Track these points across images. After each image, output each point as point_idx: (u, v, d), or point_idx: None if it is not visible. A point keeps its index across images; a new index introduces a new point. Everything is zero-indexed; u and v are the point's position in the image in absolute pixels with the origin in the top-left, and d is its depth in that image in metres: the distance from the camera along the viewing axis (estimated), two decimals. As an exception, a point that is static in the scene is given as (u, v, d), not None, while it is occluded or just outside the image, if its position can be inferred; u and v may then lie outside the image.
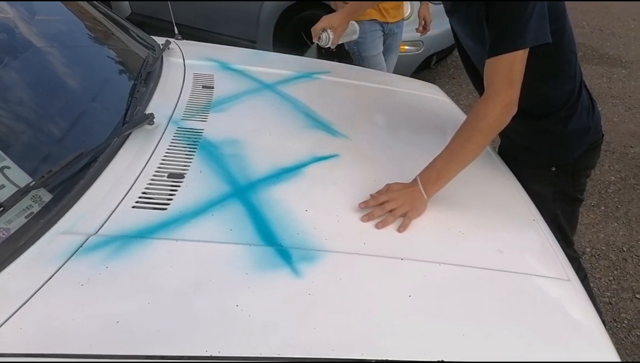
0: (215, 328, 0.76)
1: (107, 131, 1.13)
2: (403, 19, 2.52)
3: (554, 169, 1.36)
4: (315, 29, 1.54)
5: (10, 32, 1.40)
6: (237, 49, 1.92)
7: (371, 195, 1.10)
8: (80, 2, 1.63)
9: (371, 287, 0.88)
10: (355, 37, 1.70)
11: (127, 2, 4.23)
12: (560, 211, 1.39)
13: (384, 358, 0.76)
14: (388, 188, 1.11)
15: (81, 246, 0.84)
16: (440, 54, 3.72)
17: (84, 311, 0.75)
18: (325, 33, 1.52)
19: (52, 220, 0.87)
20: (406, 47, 3.40)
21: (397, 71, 3.08)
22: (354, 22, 1.63)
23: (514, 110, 1.10)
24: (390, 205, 1.06)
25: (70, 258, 0.82)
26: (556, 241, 1.12)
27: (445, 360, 0.78)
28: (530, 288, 0.95)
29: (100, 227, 0.89)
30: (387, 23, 2.42)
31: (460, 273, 0.95)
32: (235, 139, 1.23)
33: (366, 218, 1.04)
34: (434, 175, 1.10)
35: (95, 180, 0.99)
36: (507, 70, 1.08)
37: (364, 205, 1.06)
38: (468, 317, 0.86)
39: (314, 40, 1.55)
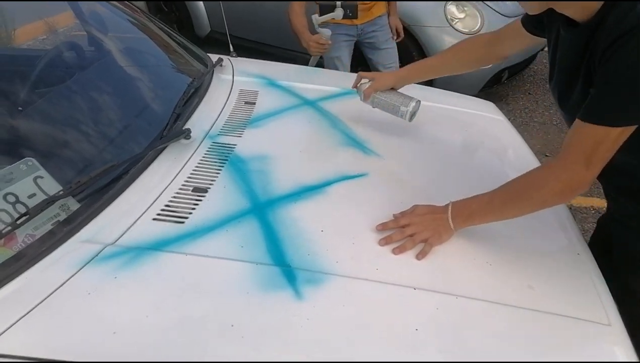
0: (206, 346, 0.75)
1: (145, 145, 1.19)
2: (379, 16, 2.46)
3: None
4: (357, 80, 1.43)
5: (77, 48, 1.54)
6: (289, 65, 1.95)
7: (394, 215, 1.05)
8: (140, 17, 1.75)
9: (374, 316, 0.84)
10: (403, 113, 1.37)
11: (207, 20, 4.46)
12: None
13: (375, 395, 0.72)
14: (413, 210, 1.05)
15: (97, 255, 0.89)
16: (513, 68, 3.53)
17: (85, 319, 0.78)
18: (364, 81, 1.41)
19: (75, 228, 0.93)
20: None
21: (464, 87, 2.96)
22: (411, 98, 1.39)
23: (578, 192, 0.90)
24: (411, 229, 0.99)
25: (84, 266, 0.86)
26: (603, 281, 1.00)
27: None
28: (558, 330, 0.85)
29: (119, 238, 0.93)
30: (356, 26, 2.41)
31: (479, 308, 0.87)
32: (265, 155, 1.24)
33: (383, 242, 0.99)
34: (466, 213, 0.99)
35: (123, 191, 1.04)
36: (592, 146, 0.85)
37: (381, 227, 1.02)
38: (477, 356, 0.79)
39: (353, 87, 1.44)
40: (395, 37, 2.62)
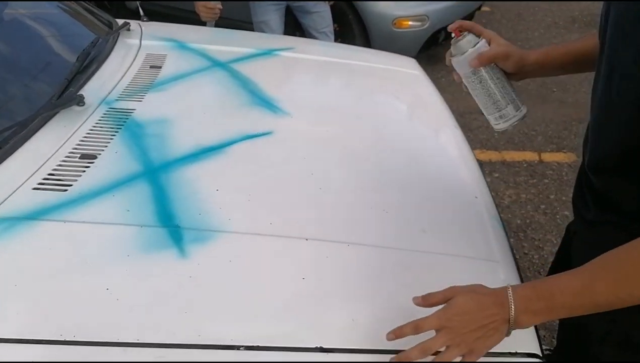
0: (77, 312, 0.72)
1: (33, 111, 1.12)
2: None
3: None
4: (460, 25, 0.86)
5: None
6: (205, 28, 1.88)
7: (414, 299, 0.69)
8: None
9: (262, 269, 0.82)
10: (508, 120, 0.88)
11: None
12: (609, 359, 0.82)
13: (254, 344, 0.71)
14: (449, 304, 0.66)
15: (-34, 227, 0.83)
16: (450, 28, 3.54)
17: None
18: (475, 38, 0.85)
19: (-59, 201, 0.86)
20: (410, 23, 3.27)
21: (401, 49, 2.96)
22: (522, 104, 0.89)
23: None
24: (443, 340, 0.65)
25: (-49, 239, 0.80)
26: (499, 221, 1.02)
27: (325, 346, 0.71)
28: (450, 270, 0.86)
29: (-6, 209, 0.88)
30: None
31: (371, 253, 0.87)
32: (165, 119, 1.19)
33: (396, 359, 0.67)
34: (541, 306, 0.64)
35: (4, 160, 0.98)
36: None
37: (393, 336, 0.66)
38: (363, 300, 0.79)
39: (450, 28, 0.86)
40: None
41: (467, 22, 0.85)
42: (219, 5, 2.00)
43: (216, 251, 0.84)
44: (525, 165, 2.72)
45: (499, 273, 0.88)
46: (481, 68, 0.83)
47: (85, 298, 0.74)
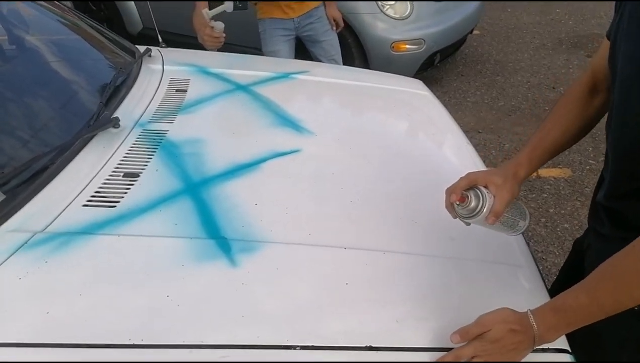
0: (141, 318, 0.77)
1: (72, 134, 1.17)
2: (315, 7, 2.48)
3: (636, 308, 0.76)
4: (455, 188, 0.86)
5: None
6: (221, 53, 1.95)
7: (451, 337, 0.75)
8: (67, 14, 1.71)
9: (308, 275, 0.88)
10: (518, 228, 0.91)
11: (138, 17, 4.35)
12: None
13: (309, 344, 0.76)
14: (483, 336, 0.74)
15: (26, 243, 0.88)
16: (445, 51, 3.68)
17: (17, 302, 0.78)
18: (479, 195, 0.83)
19: (1, 219, 0.91)
20: (407, 46, 3.39)
21: (399, 71, 3.07)
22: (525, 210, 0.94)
23: None
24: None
25: (13, 254, 0.85)
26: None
27: (374, 345, 0.77)
28: (477, 274, 0.93)
29: (48, 225, 0.93)
30: (292, 19, 2.43)
31: (405, 260, 0.94)
32: (198, 139, 1.25)
33: None
34: (562, 326, 0.73)
35: (51, 180, 1.03)
36: None
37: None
38: (404, 303, 0.85)
39: (453, 200, 0.84)
40: (334, 27, 2.63)
41: (462, 183, 0.85)
42: (223, 34, 2.06)
43: (263, 260, 0.90)
44: (552, 181, 2.79)
45: (522, 276, 0.95)
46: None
47: (148, 305, 0.79)
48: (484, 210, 0.82)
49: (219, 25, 2.00)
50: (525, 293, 0.92)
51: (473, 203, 0.82)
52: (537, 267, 1.00)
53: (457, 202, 0.83)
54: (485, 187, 0.84)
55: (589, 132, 0.96)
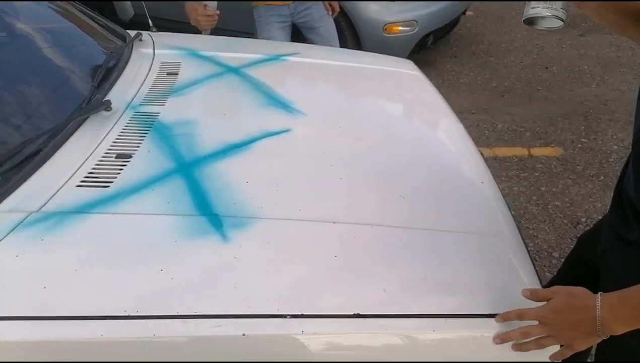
0: (136, 291, 0.80)
1: (65, 118, 1.19)
2: None
3: None
4: None
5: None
6: (212, 37, 1.96)
7: (524, 291, 0.79)
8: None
9: (298, 249, 0.91)
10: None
11: (130, 4, 4.32)
12: None
13: (299, 313, 0.79)
14: (548, 303, 0.77)
15: (22, 222, 0.90)
16: (438, 33, 3.67)
17: (15, 279, 0.80)
18: None
19: (-3, 199, 0.93)
20: (400, 28, 3.39)
21: (392, 53, 3.07)
22: None
23: None
24: (540, 331, 0.77)
25: (9, 233, 0.87)
26: (503, 201, 1.12)
27: (362, 313, 0.80)
28: (463, 245, 0.96)
29: (43, 205, 0.95)
30: (288, 5, 2.40)
31: (393, 233, 0.96)
32: (190, 120, 1.27)
33: (499, 340, 0.79)
34: (629, 314, 0.72)
35: (44, 162, 1.05)
36: None
37: (501, 320, 0.79)
38: (392, 273, 0.87)
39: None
40: (330, 13, 2.60)
41: None
42: (217, 11, 1.99)
43: (254, 235, 0.92)
44: (515, 160, 2.83)
45: (507, 248, 0.98)
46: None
47: (142, 279, 0.82)
48: None
49: (212, 4, 1.98)
50: (509, 262, 0.95)
51: None
52: (522, 238, 1.03)
53: None
54: None
55: None
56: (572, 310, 0.75)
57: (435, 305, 0.82)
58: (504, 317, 0.79)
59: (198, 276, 0.83)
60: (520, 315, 0.78)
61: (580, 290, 0.77)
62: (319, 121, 1.33)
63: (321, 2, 2.52)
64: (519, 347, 0.79)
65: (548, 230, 2.31)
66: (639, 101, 0.82)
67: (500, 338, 0.79)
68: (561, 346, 0.79)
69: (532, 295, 0.79)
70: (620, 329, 0.73)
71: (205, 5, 1.91)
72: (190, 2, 1.93)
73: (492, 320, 0.81)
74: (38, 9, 1.67)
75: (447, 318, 0.81)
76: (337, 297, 0.82)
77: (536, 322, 0.77)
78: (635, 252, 0.86)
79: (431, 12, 3.43)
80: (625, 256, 0.89)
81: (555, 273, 1.54)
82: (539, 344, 0.77)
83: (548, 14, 0.90)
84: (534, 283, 0.91)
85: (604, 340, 0.81)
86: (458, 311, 0.83)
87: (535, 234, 2.28)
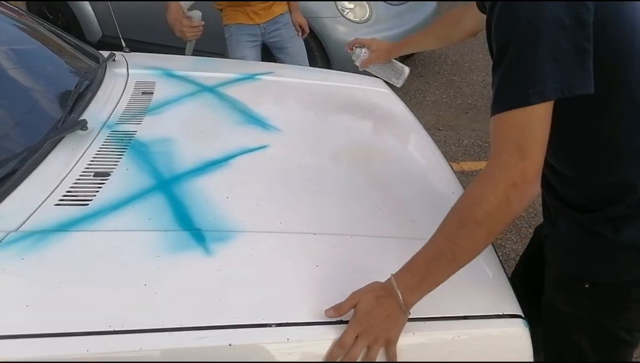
0: (120, 306, 0.80)
1: (40, 138, 1.18)
2: (282, 14, 2.50)
3: (587, 285, 0.90)
4: (353, 42, 1.56)
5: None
6: (185, 57, 1.98)
7: (329, 310, 0.81)
8: (26, 19, 1.70)
9: (280, 260, 0.93)
10: (396, 81, 1.58)
11: (98, 25, 4.29)
12: (589, 347, 0.96)
13: (284, 321, 0.81)
14: (356, 313, 0.80)
15: (0, 241, 0.89)
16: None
17: (-5, 298, 0.79)
18: (360, 50, 1.53)
19: (-27, 220, 0.92)
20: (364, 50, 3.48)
21: (362, 73, 3.16)
22: (403, 66, 1.57)
23: (528, 191, 0.74)
24: (364, 341, 0.79)
25: (-12, 253, 0.86)
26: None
27: (344, 319, 0.82)
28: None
29: (22, 224, 0.94)
30: (259, 25, 2.45)
31: (371, 243, 1.00)
32: (167, 138, 1.28)
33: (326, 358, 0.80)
34: (416, 281, 0.79)
35: (21, 182, 1.04)
36: (516, 133, 0.73)
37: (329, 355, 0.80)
38: (371, 280, 0.90)
39: (346, 49, 1.58)
40: (300, 33, 2.66)
41: (354, 40, 1.57)
42: (202, 22, 2.01)
43: (236, 248, 0.94)
44: None
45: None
46: (369, 66, 1.56)
47: (126, 294, 0.82)
48: (359, 59, 1.55)
49: (197, 14, 1.99)
50: (480, 268, 0.99)
51: (355, 53, 1.55)
52: (493, 245, 1.08)
53: (349, 51, 1.56)
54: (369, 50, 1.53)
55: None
56: (377, 303, 0.80)
57: (414, 309, 0.86)
58: (330, 357, 0.79)
59: (183, 289, 0.84)
60: (341, 345, 0.79)
61: (374, 284, 0.83)
62: (295, 137, 1.36)
63: (291, 23, 2.58)
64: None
65: (515, 239, 2.39)
66: None
67: (326, 359, 0.80)
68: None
69: (336, 312, 0.81)
70: (415, 298, 0.80)
71: (190, 17, 1.93)
72: (173, 16, 1.94)
73: (467, 321, 0.85)
74: (7, 28, 1.66)
75: (426, 321, 0.85)
76: (320, 304, 0.84)
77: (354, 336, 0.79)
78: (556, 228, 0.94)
79: (397, 34, 3.55)
80: (553, 233, 0.97)
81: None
82: (370, 358, 0.79)
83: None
84: (504, 287, 0.95)
85: (597, 338, 0.90)
86: (435, 314, 0.86)
87: (503, 244, 2.37)
